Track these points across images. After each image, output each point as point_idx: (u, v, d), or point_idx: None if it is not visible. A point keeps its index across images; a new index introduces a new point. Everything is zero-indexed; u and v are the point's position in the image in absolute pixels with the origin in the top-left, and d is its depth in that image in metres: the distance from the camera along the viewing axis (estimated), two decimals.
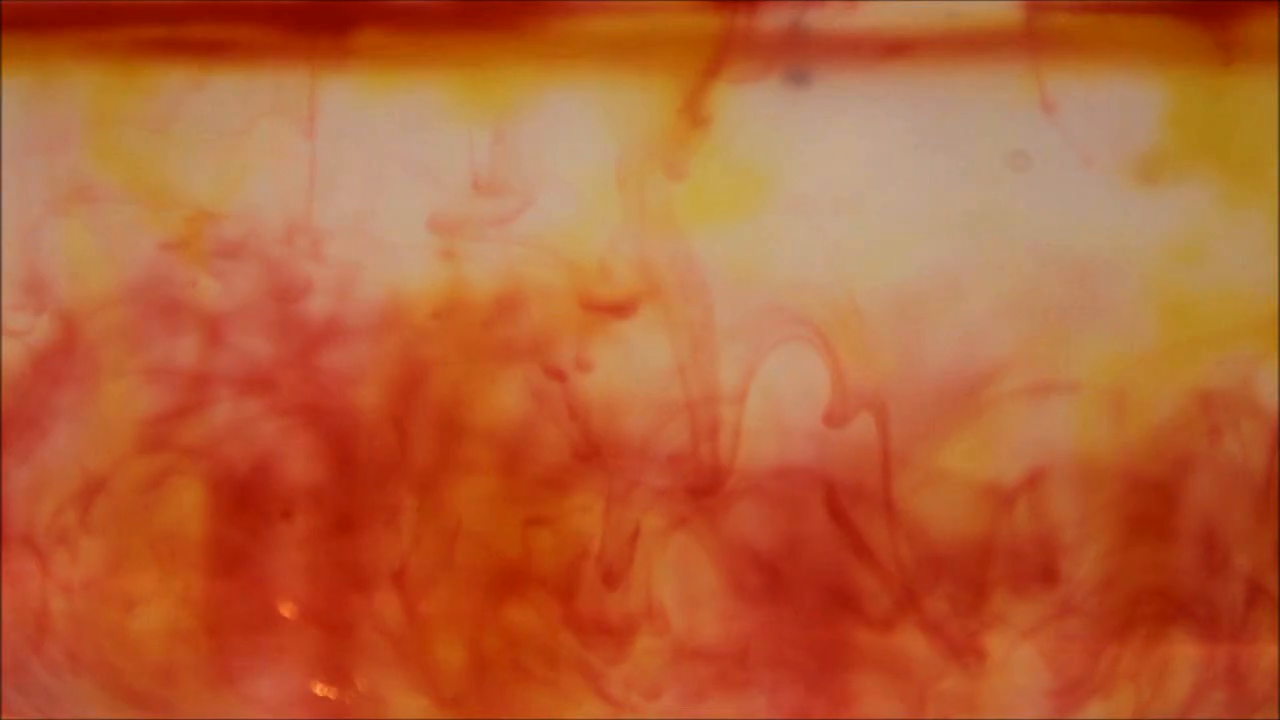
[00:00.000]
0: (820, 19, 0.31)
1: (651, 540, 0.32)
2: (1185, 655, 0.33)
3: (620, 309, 0.32)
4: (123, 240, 0.34)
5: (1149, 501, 0.32)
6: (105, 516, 0.34)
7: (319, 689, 0.34)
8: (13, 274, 0.34)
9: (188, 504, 0.34)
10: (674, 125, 0.31)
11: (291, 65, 0.32)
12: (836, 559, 0.32)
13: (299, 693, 0.34)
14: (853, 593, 0.33)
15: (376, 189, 0.32)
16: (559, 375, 0.32)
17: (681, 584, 0.33)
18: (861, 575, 0.33)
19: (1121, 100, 0.31)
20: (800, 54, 0.31)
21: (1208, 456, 0.32)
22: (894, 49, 0.31)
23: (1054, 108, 0.31)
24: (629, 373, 0.32)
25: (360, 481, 0.33)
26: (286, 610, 0.34)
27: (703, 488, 0.32)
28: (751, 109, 0.31)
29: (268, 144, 0.32)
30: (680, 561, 0.33)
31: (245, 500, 0.33)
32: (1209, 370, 0.32)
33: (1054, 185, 0.32)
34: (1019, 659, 0.33)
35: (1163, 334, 0.32)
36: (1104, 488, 0.32)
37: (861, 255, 0.32)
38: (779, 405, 0.32)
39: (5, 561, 0.35)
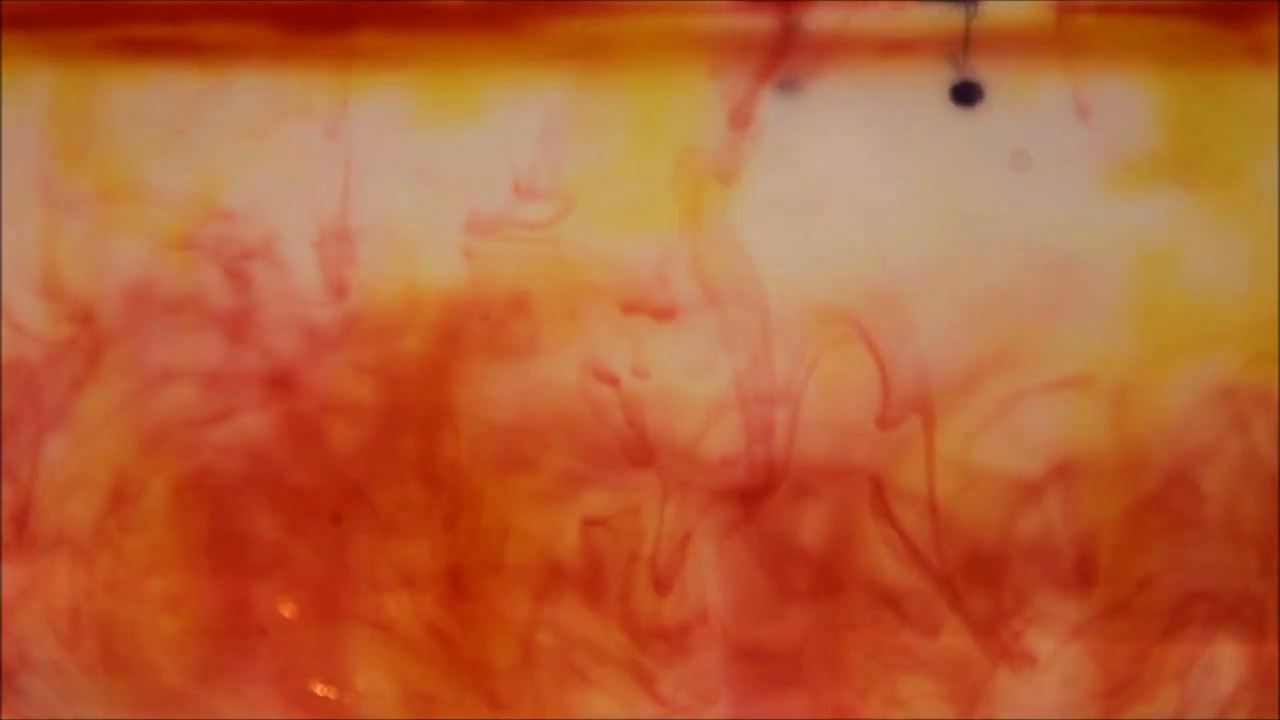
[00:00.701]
0: (857, 19, 0.31)
1: (704, 542, 0.33)
2: (1229, 655, 0.33)
3: (673, 313, 0.32)
4: (146, 242, 0.34)
5: (1179, 498, 0.33)
6: (144, 517, 0.34)
7: (319, 689, 0.34)
8: (30, 276, 0.34)
9: (229, 505, 0.34)
10: (725, 129, 0.32)
11: (325, 66, 0.32)
12: (885, 560, 0.33)
13: (349, 693, 0.34)
14: (901, 594, 0.33)
15: (417, 191, 0.33)
16: (611, 380, 0.32)
17: (734, 586, 0.33)
18: (909, 576, 0.33)
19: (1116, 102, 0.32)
20: (848, 55, 0.32)
21: (1221, 452, 0.33)
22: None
23: (1089, 111, 0.31)
24: (682, 375, 0.32)
25: (410, 482, 0.33)
26: (287, 610, 0.34)
27: (755, 490, 0.32)
28: (801, 112, 0.32)
29: (297, 145, 0.33)
30: (733, 563, 0.33)
31: (293, 503, 0.33)
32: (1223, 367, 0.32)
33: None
34: (1066, 659, 0.33)
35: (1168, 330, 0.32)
36: (1125, 484, 0.33)
37: (908, 257, 0.32)
38: (830, 407, 0.32)
39: (37, 562, 0.35)
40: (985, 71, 0.32)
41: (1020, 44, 0.31)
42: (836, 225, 0.32)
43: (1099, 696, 0.33)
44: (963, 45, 0.31)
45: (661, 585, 0.33)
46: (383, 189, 0.33)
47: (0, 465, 0.35)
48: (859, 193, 0.32)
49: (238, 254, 0.33)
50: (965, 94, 0.32)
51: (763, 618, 0.33)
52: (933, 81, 0.32)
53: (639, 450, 0.32)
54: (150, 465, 0.34)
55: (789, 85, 0.32)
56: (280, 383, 0.33)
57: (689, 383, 0.32)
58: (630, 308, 0.32)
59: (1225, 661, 0.33)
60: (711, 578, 0.33)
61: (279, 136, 0.33)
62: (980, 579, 0.33)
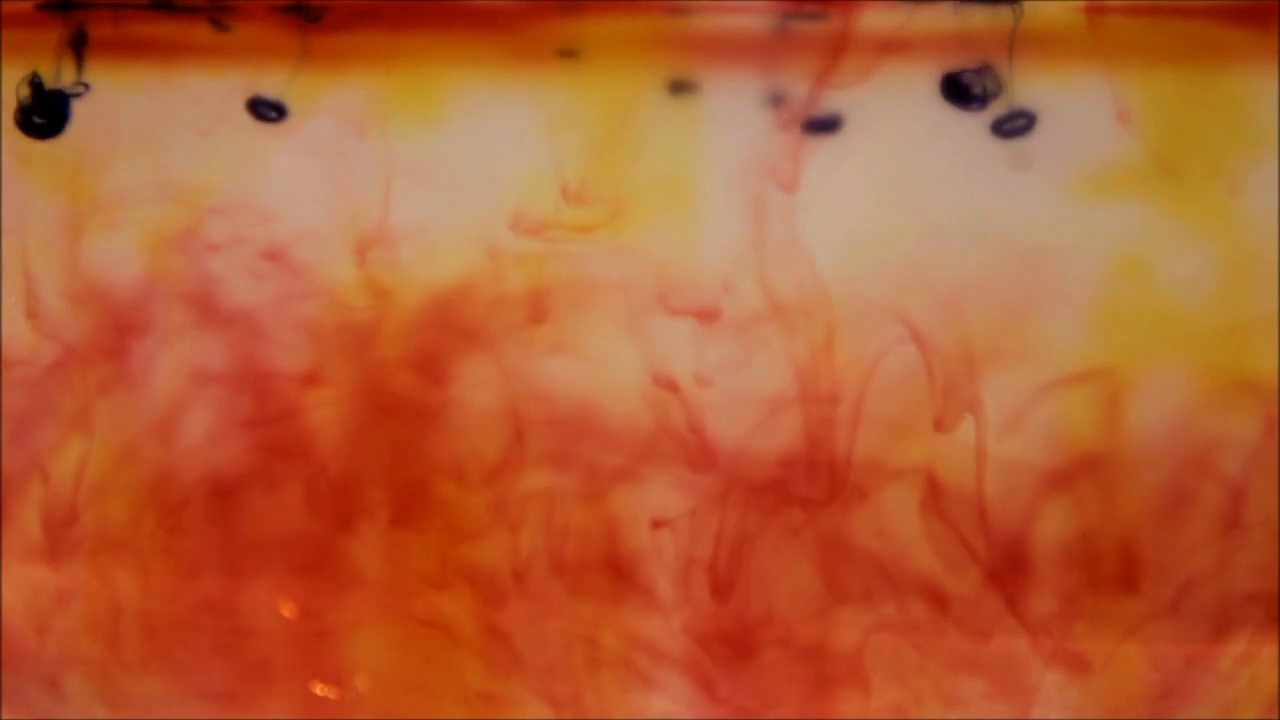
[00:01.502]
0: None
1: (764, 544, 0.33)
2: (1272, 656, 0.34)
3: (732, 317, 0.32)
4: (169, 242, 0.34)
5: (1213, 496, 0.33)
6: (189, 518, 0.34)
7: (319, 689, 0.34)
8: (53, 278, 0.35)
9: (275, 506, 0.34)
10: (787, 133, 0.32)
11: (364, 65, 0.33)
12: (941, 561, 0.33)
13: (408, 697, 0.34)
14: (955, 596, 0.33)
15: (459, 192, 0.33)
16: (671, 385, 0.33)
17: (794, 587, 0.33)
18: (964, 578, 0.33)
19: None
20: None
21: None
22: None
23: (1128, 117, 0.32)
24: (744, 379, 0.33)
25: (471, 484, 0.33)
26: (287, 611, 0.34)
27: (817, 495, 0.33)
28: (874, 115, 0.32)
29: (327, 145, 0.33)
30: (792, 565, 0.33)
31: (347, 505, 0.34)
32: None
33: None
34: (1121, 660, 0.33)
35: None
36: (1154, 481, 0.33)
37: (959, 260, 0.32)
38: (886, 408, 0.32)
39: (77, 566, 0.35)
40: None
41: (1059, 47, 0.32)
42: (892, 227, 0.32)
43: (1153, 698, 0.33)
44: (1008, 50, 0.32)
45: (722, 587, 0.33)
46: (424, 189, 0.33)
47: (0, 466, 0.35)
48: (911, 195, 0.32)
49: (266, 253, 0.33)
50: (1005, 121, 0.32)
51: (822, 619, 0.33)
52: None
53: (699, 453, 0.33)
54: (192, 465, 0.34)
55: (841, 87, 0.32)
56: (323, 381, 0.33)
57: (748, 385, 0.32)
58: (683, 311, 0.33)
59: (1268, 663, 0.34)
60: (771, 579, 0.33)
61: (307, 136, 0.33)
62: (1029, 580, 0.33)
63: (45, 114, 0.34)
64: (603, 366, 0.33)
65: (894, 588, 0.33)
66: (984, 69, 0.32)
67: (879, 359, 0.32)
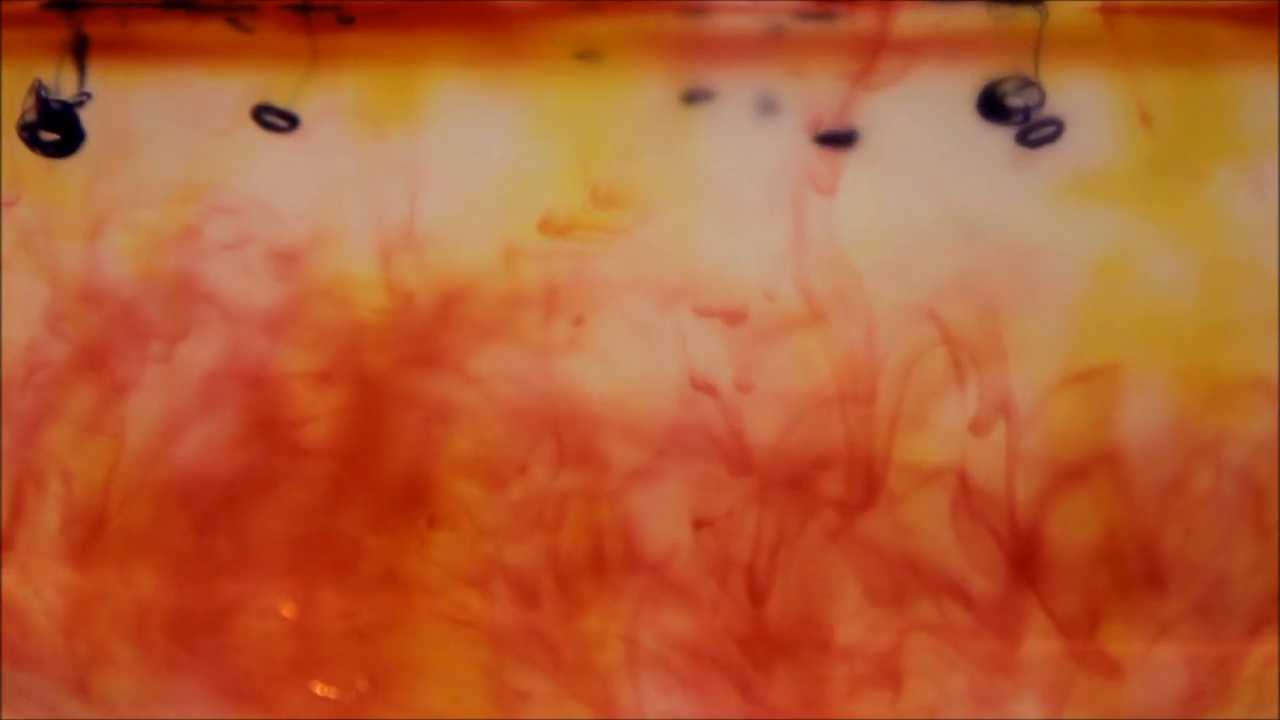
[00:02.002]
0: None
1: (803, 545, 0.33)
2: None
3: (777, 321, 0.32)
4: (188, 241, 0.34)
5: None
6: (227, 521, 0.34)
7: (319, 689, 0.34)
8: (77, 278, 0.34)
9: (309, 506, 0.34)
10: (817, 136, 0.32)
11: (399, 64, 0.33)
12: (975, 563, 0.33)
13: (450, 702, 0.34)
14: (990, 597, 0.33)
15: (492, 191, 0.33)
16: (710, 389, 0.33)
17: (832, 589, 0.33)
18: (998, 579, 0.33)
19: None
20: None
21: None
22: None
23: (1151, 119, 0.32)
24: (782, 382, 0.33)
25: (509, 486, 0.33)
26: (287, 610, 0.34)
27: (856, 499, 0.33)
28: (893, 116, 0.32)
29: (350, 145, 0.33)
30: (831, 567, 0.33)
31: (390, 509, 0.33)
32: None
33: None
34: (1152, 662, 0.33)
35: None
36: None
37: (998, 261, 0.33)
38: (922, 413, 0.33)
39: (105, 567, 0.35)
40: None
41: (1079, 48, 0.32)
42: (927, 230, 0.32)
43: (1184, 700, 0.34)
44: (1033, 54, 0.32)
45: (759, 591, 0.33)
46: (456, 190, 0.33)
47: (0, 466, 0.35)
48: (949, 197, 0.32)
49: (286, 253, 0.33)
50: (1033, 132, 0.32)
51: (859, 621, 0.33)
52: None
53: (738, 455, 0.33)
54: (224, 466, 0.34)
55: (875, 89, 0.32)
56: (342, 381, 0.33)
57: (787, 387, 0.33)
58: (715, 313, 0.33)
59: None
60: (811, 581, 0.33)
61: (326, 136, 0.33)
62: (1061, 581, 0.33)
63: (55, 129, 0.34)
64: (635, 367, 0.33)
65: (932, 589, 0.33)
66: (1024, 82, 0.32)
67: (913, 360, 0.32)
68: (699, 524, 0.33)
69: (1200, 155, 0.32)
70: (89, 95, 0.34)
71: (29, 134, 0.34)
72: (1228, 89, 0.32)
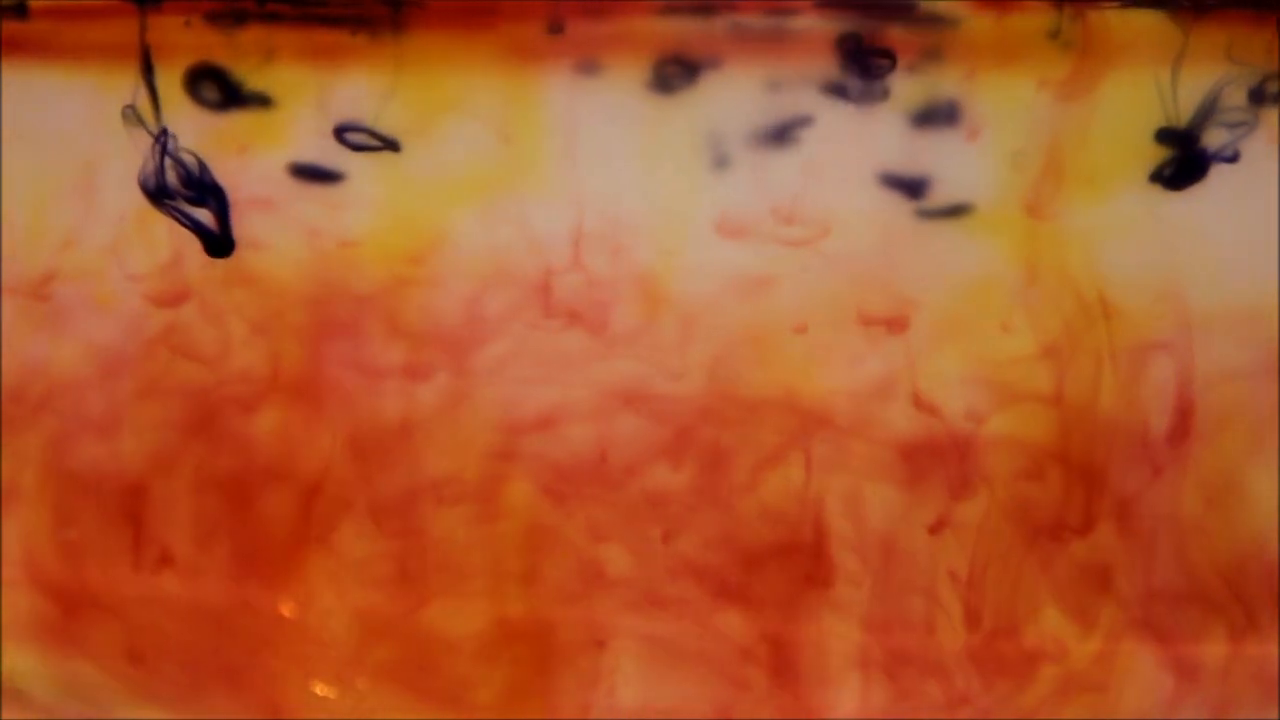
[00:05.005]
0: None
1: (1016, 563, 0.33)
2: None
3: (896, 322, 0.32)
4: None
5: None
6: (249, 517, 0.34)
7: (319, 689, 0.33)
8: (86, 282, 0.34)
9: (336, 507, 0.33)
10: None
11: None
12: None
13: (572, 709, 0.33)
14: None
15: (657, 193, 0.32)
16: (932, 409, 0.32)
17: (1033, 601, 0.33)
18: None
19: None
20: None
21: None
22: None
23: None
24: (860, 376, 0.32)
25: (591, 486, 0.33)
26: (287, 610, 0.33)
27: (1073, 519, 0.33)
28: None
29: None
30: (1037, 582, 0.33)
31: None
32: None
33: None
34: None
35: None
36: None
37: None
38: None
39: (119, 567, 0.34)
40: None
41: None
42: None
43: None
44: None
45: (820, 583, 0.33)
46: (620, 190, 0.32)
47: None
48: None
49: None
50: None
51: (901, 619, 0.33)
52: None
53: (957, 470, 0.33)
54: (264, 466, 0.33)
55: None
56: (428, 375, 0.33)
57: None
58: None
59: None
60: (1018, 593, 0.33)
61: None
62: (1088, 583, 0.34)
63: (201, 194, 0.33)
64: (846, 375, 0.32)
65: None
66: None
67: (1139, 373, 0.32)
68: (938, 527, 0.33)
69: None
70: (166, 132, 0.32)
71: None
72: None
